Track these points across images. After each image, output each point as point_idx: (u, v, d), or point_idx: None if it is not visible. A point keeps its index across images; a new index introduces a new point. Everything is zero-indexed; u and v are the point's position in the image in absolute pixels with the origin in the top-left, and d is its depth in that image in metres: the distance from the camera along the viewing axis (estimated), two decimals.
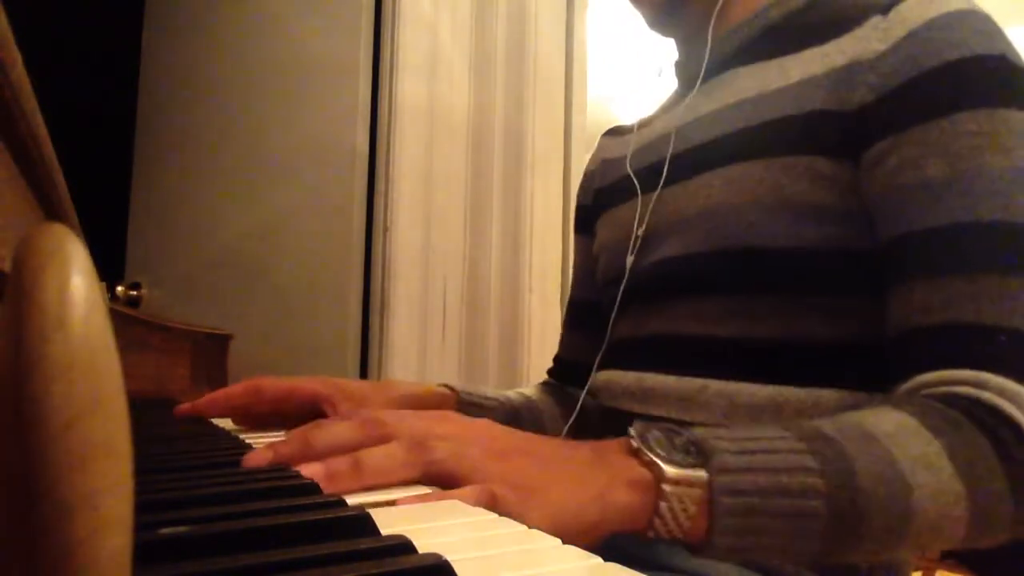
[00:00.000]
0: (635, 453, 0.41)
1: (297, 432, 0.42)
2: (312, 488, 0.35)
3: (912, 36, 0.53)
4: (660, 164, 0.69)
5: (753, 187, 0.58)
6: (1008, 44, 0.53)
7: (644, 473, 0.40)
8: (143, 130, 2.06)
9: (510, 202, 1.57)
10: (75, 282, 0.14)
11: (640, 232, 0.69)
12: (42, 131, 0.43)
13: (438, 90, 1.52)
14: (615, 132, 0.88)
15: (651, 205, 0.68)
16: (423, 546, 0.25)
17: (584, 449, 0.42)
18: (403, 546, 0.25)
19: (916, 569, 2.15)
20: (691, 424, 0.53)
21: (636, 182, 0.72)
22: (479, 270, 1.54)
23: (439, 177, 1.51)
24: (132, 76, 2.07)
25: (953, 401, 0.46)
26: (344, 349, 1.44)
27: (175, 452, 0.47)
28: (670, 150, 0.68)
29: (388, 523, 0.28)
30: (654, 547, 0.58)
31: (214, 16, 1.87)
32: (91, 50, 2.09)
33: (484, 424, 0.43)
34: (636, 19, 0.76)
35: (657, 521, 0.40)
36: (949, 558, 2.02)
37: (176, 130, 1.95)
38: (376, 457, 0.37)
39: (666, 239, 0.66)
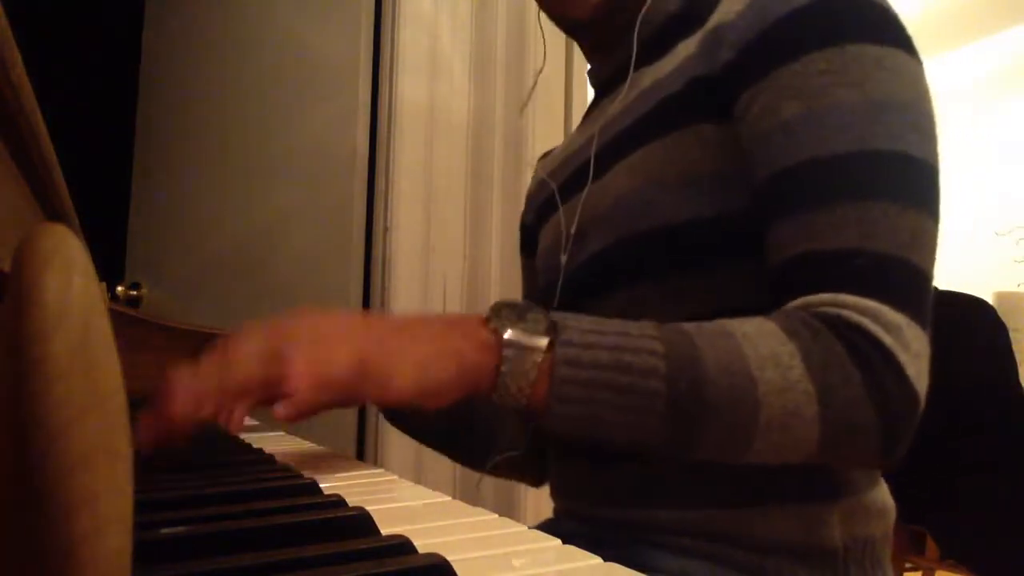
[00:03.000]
0: (484, 321, 0.46)
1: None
2: (312, 488, 0.35)
3: None
4: (582, 169, 0.70)
5: (652, 168, 0.59)
6: None
7: (488, 336, 0.45)
8: (143, 130, 2.06)
9: (510, 202, 1.57)
10: (75, 282, 0.14)
11: (571, 232, 0.69)
12: (42, 131, 0.43)
13: (438, 90, 1.52)
14: (547, 155, 0.89)
15: (578, 208, 0.68)
16: (423, 546, 0.25)
17: (440, 319, 0.48)
18: (403, 546, 0.25)
19: (916, 569, 2.15)
20: None
21: (557, 194, 0.73)
22: (479, 270, 1.54)
23: (439, 177, 1.51)
24: (132, 77, 2.07)
25: (816, 316, 0.48)
26: None
27: (175, 452, 0.47)
28: (592, 152, 0.69)
29: (388, 523, 0.28)
30: (643, 551, 0.58)
31: (214, 16, 1.87)
32: (91, 50, 2.09)
33: (342, 313, 0.48)
34: None
35: (499, 382, 0.44)
36: (949, 558, 2.01)
37: (176, 130, 1.95)
38: (232, 377, 0.44)
39: (588, 238, 0.66)
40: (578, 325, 0.46)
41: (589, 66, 0.77)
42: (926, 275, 0.49)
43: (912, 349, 0.47)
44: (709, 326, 0.48)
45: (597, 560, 0.26)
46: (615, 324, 0.47)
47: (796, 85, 0.52)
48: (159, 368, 1.14)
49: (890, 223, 0.48)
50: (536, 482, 0.81)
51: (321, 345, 0.44)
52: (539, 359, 0.44)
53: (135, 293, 1.89)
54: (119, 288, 1.88)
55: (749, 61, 0.54)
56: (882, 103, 0.50)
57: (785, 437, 0.45)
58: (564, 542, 0.28)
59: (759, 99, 0.53)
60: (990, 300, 1.29)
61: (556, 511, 0.71)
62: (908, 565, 2.13)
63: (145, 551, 0.22)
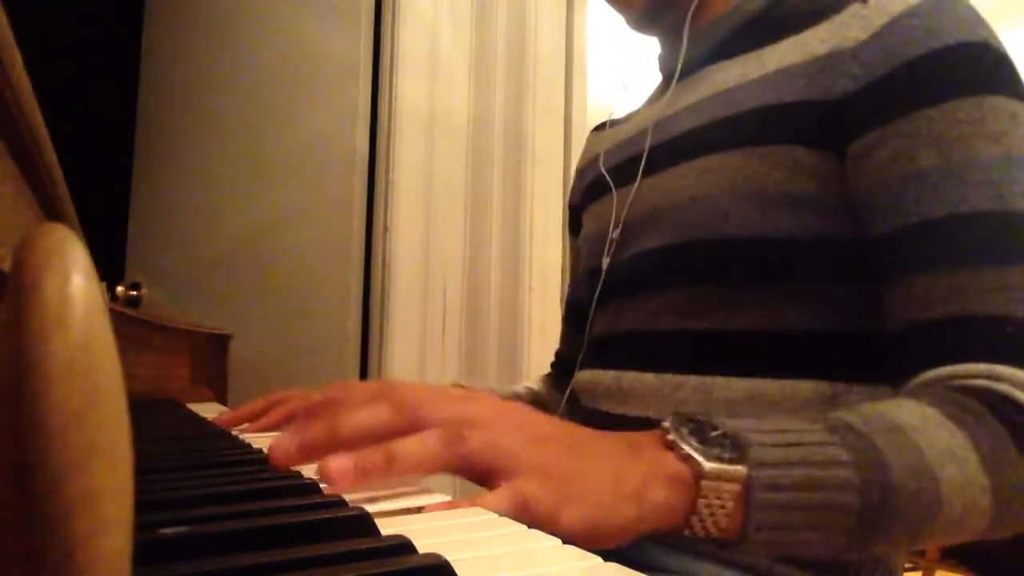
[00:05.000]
0: (670, 446, 0.40)
1: (316, 412, 0.39)
2: (312, 488, 0.35)
3: (893, 24, 0.53)
4: (637, 158, 0.69)
5: (729, 177, 0.58)
6: (989, 30, 0.53)
7: (682, 468, 0.39)
8: (143, 130, 2.06)
9: (510, 202, 1.57)
10: (75, 282, 0.14)
11: (615, 233, 0.68)
12: (42, 131, 0.43)
13: (438, 90, 1.52)
14: (601, 128, 0.88)
15: (628, 200, 0.68)
16: (423, 546, 0.25)
17: (619, 440, 0.40)
18: (403, 546, 0.25)
19: (916, 569, 2.15)
20: None
21: (610, 179, 0.72)
22: (479, 270, 1.54)
23: (439, 177, 1.51)
24: (132, 76, 2.07)
25: (971, 392, 0.46)
26: (344, 349, 1.44)
27: (175, 452, 0.47)
28: (647, 143, 0.68)
29: (388, 523, 0.28)
30: (645, 548, 0.58)
31: (214, 16, 1.87)
32: (91, 50, 2.09)
33: (516, 407, 0.41)
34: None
35: (694, 519, 0.39)
36: (949, 558, 2.01)
37: (176, 130, 1.95)
38: (410, 449, 0.35)
39: (642, 233, 0.65)
40: (760, 440, 0.40)
41: (659, 52, 0.75)
42: None
43: None
44: (874, 419, 0.44)
45: (597, 560, 0.26)
46: (789, 432, 0.42)
47: (934, 133, 0.50)
48: (159, 368, 1.14)
49: None
50: None
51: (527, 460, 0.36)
52: (737, 489, 0.39)
53: (135, 293, 1.89)
54: (119, 288, 1.88)
55: (877, 98, 0.53)
56: (1019, 160, 0.49)
57: (958, 529, 0.44)
58: (566, 540, 0.28)
59: (889, 143, 0.52)
60: None
61: None
62: (908, 565, 2.13)
63: (145, 551, 0.22)
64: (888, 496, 0.41)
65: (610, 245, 0.69)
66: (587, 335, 0.74)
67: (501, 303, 1.55)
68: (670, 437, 0.40)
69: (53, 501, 0.13)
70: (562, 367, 0.91)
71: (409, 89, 1.48)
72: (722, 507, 0.39)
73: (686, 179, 0.62)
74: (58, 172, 0.51)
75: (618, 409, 0.67)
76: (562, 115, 1.67)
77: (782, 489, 0.39)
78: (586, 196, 0.80)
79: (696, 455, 0.39)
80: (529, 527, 0.30)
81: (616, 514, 0.36)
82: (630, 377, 0.65)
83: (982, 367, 0.46)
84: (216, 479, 0.36)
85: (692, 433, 0.40)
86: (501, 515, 0.32)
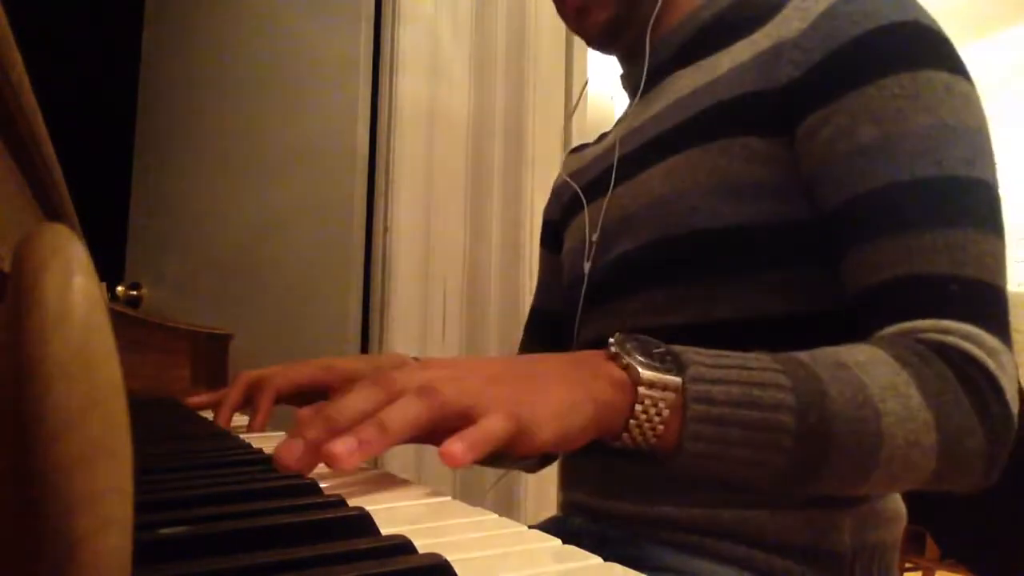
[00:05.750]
0: (613, 357, 0.44)
1: (310, 414, 0.41)
2: (312, 488, 0.35)
3: (830, 11, 0.55)
4: (609, 171, 0.70)
5: (693, 173, 0.60)
6: (919, 9, 0.55)
7: (622, 375, 0.43)
8: (143, 130, 2.06)
9: (510, 202, 1.57)
10: (75, 282, 0.14)
11: (593, 238, 0.70)
12: (42, 131, 0.43)
13: (438, 90, 1.52)
14: (578, 149, 0.90)
15: (603, 210, 0.69)
16: (423, 546, 0.25)
17: (564, 357, 0.45)
18: (403, 546, 0.25)
19: (916, 569, 2.15)
20: None
21: (582, 194, 0.74)
22: (479, 270, 1.54)
23: (439, 177, 1.51)
24: (132, 76, 2.07)
25: (921, 341, 0.48)
26: (344, 349, 1.44)
27: (175, 452, 0.47)
28: (616, 155, 0.70)
29: (388, 523, 0.28)
30: (645, 548, 0.58)
31: (214, 16, 1.87)
32: (91, 50, 2.09)
33: (469, 358, 0.46)
34: None
35: (632, 423, 0.42)
36: (949, 558, 2.01)
37: (176, 130, 1.95)
38: (396, 414, 0.38)
39: (617, 238, 0.67)
40: (701, 359, 0.44)
41: (621, 71, 0.77)
42: (1007, 299, 0.50)
43: (1008, 372, 0.48)
44: (821, 355, 0.47)
45: (596, 560, 0.26)
46: (732, 357, 0.45)
47: (872, 109, 0.52)
48: (159, 368, 1.14)
49: (977, 249, 0.49)
50: (534, 468, 0.84)
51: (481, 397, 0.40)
52: (672, 397, 0.42)
53: (135, 293, 1.89)
54: (119, 288, 1.88)
55: (817, 81, 0.55)
56: (955, 128, 0.51)
57: (904, 467, 0.45)
58: (570, 539, 0.28)
59: (831, 121, 0.54)
60: None
61: (563, 505, 0.71)
62: (908, 565, 2.13)
63: (145, 551, 0.22)
64: (827, 421, 0.43)
65: (589, 251, 0.70)
66: (575, 344, 0.75)
67: (501, 303, 1.55)
68: (613, 349, 0.44)
69: (53, 501, 0.13)
70: None
71: (409, 88, 1.48)
72: (657, 414, 0.42)
73: (654, 181, 0.63)
74: (58, 172, 0.51)
75: None
76: (562, 115, 1.67)
77: (716, 403, 0.43)
78: (565, 212, 0.82)
79: (634, 363, 0.43)
80: (511, 461, 0.31)
81: (578, 417, 0.41)
82: None
83: (930, 323, 0.49)
84: (216, 479, 0.36)
85: (635, 348, 0.44)
86: (499, 435, 0.38)
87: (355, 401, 0.40)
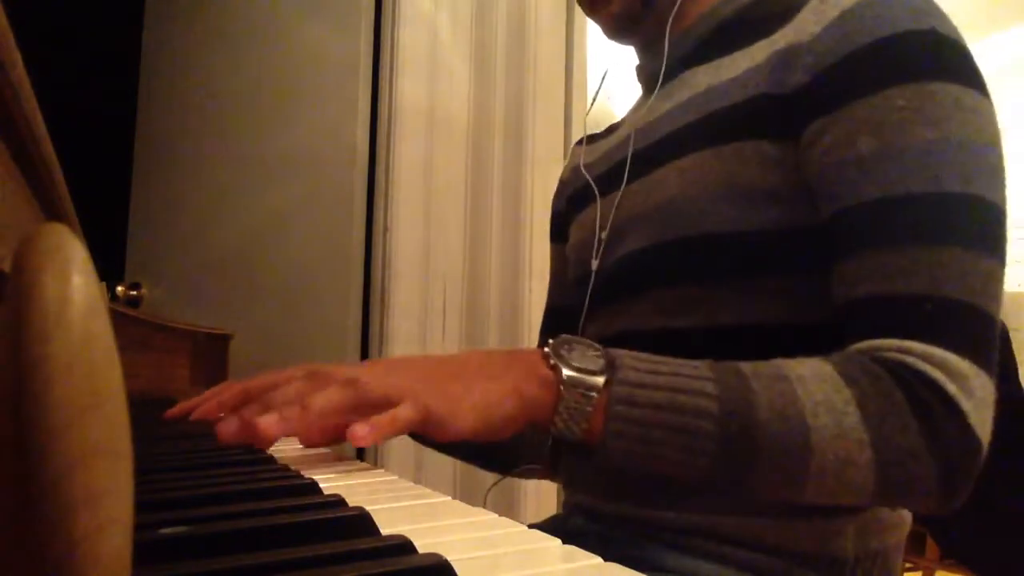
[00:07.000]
0: (544, 357, 0.48)
1: (253, 390, 0.50)
2: (312, 488, 0.35)
3: (844, 16, 0.54)
4: (622, 164, 0.69)
5: (705, 175, 0.59)
6: (940, 18, 0.53)
7: (548, 373, 0.48)
8: (143, 130, 2.06)
9: (510, 202, 1.57)
10: (75, 282, 0.14)
11: (603, 235, 0.69)
12: (42, 131, 0.43)
13: (438, 90, 1.52)
14: (587, 140, 0.88)
15: (614, 205, 0.68)
16: (423, 546, 0.25)
17: (500, 353, 0.50)
18: (403, 546, 0.25)
19: (916, 569, 2.15)
20: None
21: (595, 186, 0.73)
22: (479, 270, 1.54)
23: (439, 177, 1.51)
24: (132, 76, 2.07)
25: (878, 360, 0.48)
26: (344, 349, 1.44)
27: (175, 452, 0.47)
28: (630, 150, 0.69)
29: (388, 523, 0.28)
30: (645, 548, 0.58)
31: (214, 16, 1.87)
32: (91, 50, 2.09)
33: (407, 357, 0.50)
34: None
35: (557, 417, 0.47)
36: (949, 558, 2.01)
37: (176, 130, 1.95)
38: (318, 399, 0.45)
39: (627, 236, 0.66)
40: (634, 364, 0.48)
41: (637, 62, 0.76)
42: (994, 322, 0.49)
43: (976, 397, 0.47)
44: (765, 367, 0.48)
45: (597, 560, 0.26)
46: (672, 364, 0.48)
47: (873, 120, 0.51)
48: (159, 368, 1.14)
49: (961, 269, 0.48)
50: (552, 476, 0.83)
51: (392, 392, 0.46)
52: (596, 397, 0.46)
53: (135, 293, 1.89)
54: (119, 288, 1.88)
55: (825, 88, 0.54)
56: (959, 143, 0.50)
57: (839, 483, 0.46)
58: (572, 540, 0.28)
59: (832, 129, 0.53)
60: None
61: (566, 504, 0.71)
62: (908, 565, 2.13)
63: (145, 551, 0.22)
64: (749, 431, 0.45)
65: (598, 247, 0.69)
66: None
67: (501, 303, 1.55)
68: (547, 350, 0.49)
69: (53, 500, 0.13)
70: None
71: (409, 88, 1.48)
72: (581, 412, 0.46)
73: (666, 181, 0.63)
74: (58, 172, 0.51)
75: None
76: (562, 115, 1.67)
77: (638, 406, 0.46)
78: (571, 204, 0.81)
79: (560, 364, 0.47)
80: (424, 443, 0.35)
81: (500, 409, 0.46)
82: None
83: (894, 342, 0.48)
84: (216, 479, 0.36)
85: (571, 351, 0.48)
86: (405, 422, 0.43)
87: (288, 388, 0.47)
